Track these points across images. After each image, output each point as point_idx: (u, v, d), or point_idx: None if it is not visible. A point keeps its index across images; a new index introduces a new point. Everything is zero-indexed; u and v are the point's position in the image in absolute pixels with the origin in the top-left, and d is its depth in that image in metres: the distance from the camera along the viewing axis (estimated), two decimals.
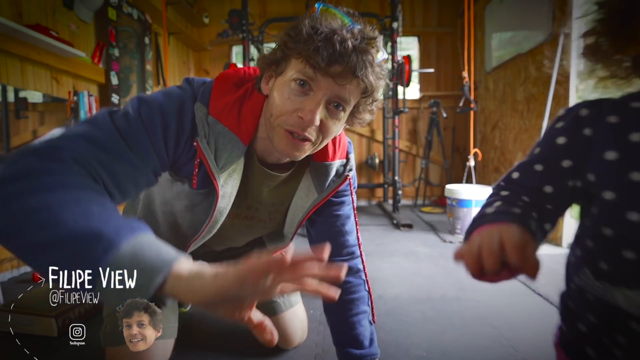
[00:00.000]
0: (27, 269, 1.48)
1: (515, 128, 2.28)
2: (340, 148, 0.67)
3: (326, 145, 0.63)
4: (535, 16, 1.99)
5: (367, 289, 0.74)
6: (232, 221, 0.71)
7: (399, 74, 2.48)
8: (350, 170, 0.69)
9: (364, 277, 0.74)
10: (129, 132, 0.49)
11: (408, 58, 2.48)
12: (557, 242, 1.82)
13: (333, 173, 0.67)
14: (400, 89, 2.55)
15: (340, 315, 0.71)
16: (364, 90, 0.53)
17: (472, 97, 2.45)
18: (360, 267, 0.74)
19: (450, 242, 1.93)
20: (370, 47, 0.51)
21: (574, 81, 1.73)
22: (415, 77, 3.32)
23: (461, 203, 2.00)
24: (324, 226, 0.73)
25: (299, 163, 0.67)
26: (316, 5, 0.54)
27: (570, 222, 1.82)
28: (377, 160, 3.21)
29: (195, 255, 0.92)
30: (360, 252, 0.75)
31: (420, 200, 3.24)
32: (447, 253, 1.73)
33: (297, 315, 0.86)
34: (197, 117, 0.56)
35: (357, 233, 0.75)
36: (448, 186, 2.12)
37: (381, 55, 0.54)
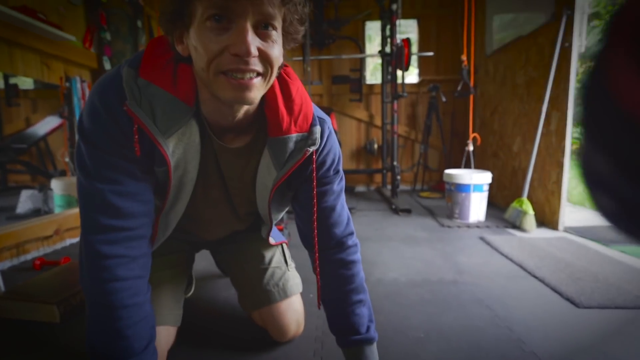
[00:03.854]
0: (27, 257, 1.48)
1: (514, 112, 2.26)
2: (299, 117, 0.60)
3: (280, 115, 0.58)
4: None
5: (362, 277, 0.71)
6: (203, 195, 0.68)
7: (398, 58, 2.44)
8: (312, 145, 0.59)
9: (357, 268, 0.70)
10: (105, 174, 0.54)
11: (407, 41, 2.44)
12: (554, 226, 1.84)
13: (291, 148, 0.60)
14: (399, 73, 2.51)
15: (336, 306, 0.70)
16: None
17: (471, 81, 2.42)
18: (353, 258, 0.70)
19: (449, 226, 1.95)
20: None
21: (574, 64, 1.71)
22: (414, 60, 3.27)
23: (460, 188, 2.01)
24: (307, 217, 0.67)
25: (256, 138, 0.63)
26: None
27: (566, 206, 1.83)
28: (375, 146, 3.20)
29: (196, 246, 0.93)
30: (352, 242, 0.71)
31: (419, 185, 3.24)
32: (445, 237, 1.75)
33: (292, 306, 0.83)
34: (124, 81, 0.52)
35: (346, 223, 0.70)
36: (447, 171, 2.12)
37: None
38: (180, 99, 0.54)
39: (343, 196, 0.71)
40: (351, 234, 0.71)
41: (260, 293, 0.82)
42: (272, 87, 0.59)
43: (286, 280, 0.84)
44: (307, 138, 0.60)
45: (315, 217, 0.65)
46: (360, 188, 3.37)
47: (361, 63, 3.19)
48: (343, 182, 0.70)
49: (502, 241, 1.63)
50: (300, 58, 2.78)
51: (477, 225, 1.95)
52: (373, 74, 5.13)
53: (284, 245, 0.92)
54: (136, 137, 0.53)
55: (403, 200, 2.64)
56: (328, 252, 0.69)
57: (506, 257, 1.44)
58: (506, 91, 2.37)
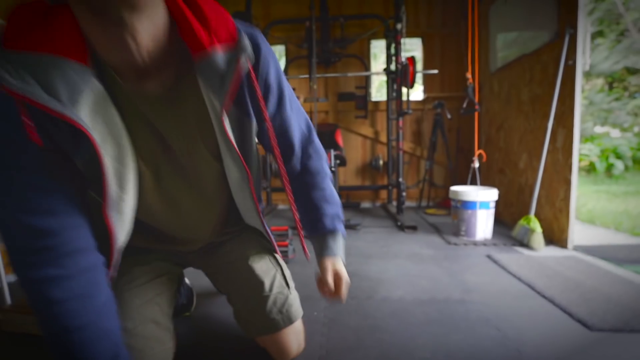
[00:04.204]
0: None
1: (520, 129, 2.27)
2: (218, 29, 0.52)
3: (195, 30, 0.49)
4: (540, 16, 1.98)
5: (329, 184, 0.75)
6: (151, 174, 0.57)
7: (403, 75, 2.48)
8: (243, 51, 0.52)
9: (322, 175, 0.74)
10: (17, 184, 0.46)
11: (412, 59, 2.48)
12: (562, 244, 1.81)
13: (222, 66, 0.52)
14: (404, 90, 2.54)
15: (304, 205, 0.74)
16: None
17: (476, 99, 2.44)
18: (316, 165, 0.74)
19: (455, 244, 1.92)
20: None
21: (579, 81, 1.72)
22: (419, 78, 3.32)
23: (466, 205, 1.99)
24: (266, 137, 0.65)
25: (183, 73, 0.54)
26: None
27: (575, 224, 1.80)
28: (381, 162, 3.21)
29: (182, 262, 0.84)
30: (313, 150, 0.74)
31: (425, 202, 3.22)
32: (452, 255, 1.72)
33: (295, 329, 0.80)
34: None
35: (305, 131, 0.72)
36: (452, 188, 2.11)
37: None
38: (69, 57, 0.43)
39: (293, 101, 0.69)
40: (311, 142, 0.74)
41: (264, 321, 0.77)
42: (178, 5, 0.51)
43: (289, 305, 0.79)
44: (236, 49, 0.53)
45: (271, 132, 0.63)
46: (366, 204, 3.36)
47: (366, 80, 3.24)
48: (288, 87, 0.67)
49: (510, 259, 1.60)
50: (307, 76, 2.84)
51: (484, 243, 1.93)
52: (378, 90, 5.20)
53: (282, 263, 0.85)
54: (27, 120, 0.43)
55: (408, 217, 2.62)
56: (291, 164, 0.72)
57: (514, 275, 1.41)
58: (511, 108, 2.38)
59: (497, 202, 2.08)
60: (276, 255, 0.85)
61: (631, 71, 6.10)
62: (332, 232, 0.73)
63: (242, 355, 0.88)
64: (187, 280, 1.12)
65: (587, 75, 6.05)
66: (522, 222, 1.91)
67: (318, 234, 0.74)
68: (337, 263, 0.73)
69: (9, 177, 0.46)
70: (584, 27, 1.70)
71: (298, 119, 0.70)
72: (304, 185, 0.74)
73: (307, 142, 0.73)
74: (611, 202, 3.30)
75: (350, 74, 2.98)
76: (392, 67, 2.84)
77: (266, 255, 0.83)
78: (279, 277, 0.82)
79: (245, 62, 0.53)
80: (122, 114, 0.50)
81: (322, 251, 0.74)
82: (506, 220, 2.43)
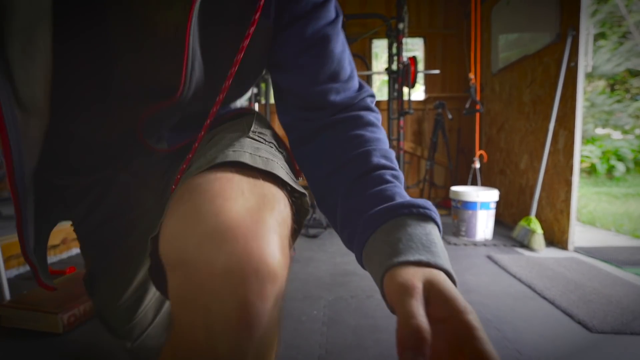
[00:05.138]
0: None
1: (521, 130, 2.26)
2: None
3: None
4: (542, 17, 1.98)
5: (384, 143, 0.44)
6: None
7: (405, 75, 2.47)
8: None
9: (375, 133, 0.44)
10: None
11: (414, 59, 2.48)
12: (563, 246, 1.80)
13: None
14: (405, 90, 2.54)
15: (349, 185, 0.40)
16: None
17: (478, 99, 2.44)
18: (365, 117, 0.44)
19: (455, 244, 1.92)
20: None
21: (581, 83, 1.72)
22: (420, 78, 3.31)
23: (466, 205, 1.99)
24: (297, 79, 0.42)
25: None
26: None
27: (576, 225, 1.80)
28: None
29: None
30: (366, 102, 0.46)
31: None
32: (452, 255, 1.72)
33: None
34: None
35: (349, 74, 0.45)
36: (453, 188, 2.11)
37: None
38: None
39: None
40: (361, 86, 0.47)
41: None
42: None
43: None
44: None
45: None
46: None
47: (368, 80, 3.24)
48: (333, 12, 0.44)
49: (510, 260, 1.60)
50: None
51: (484, 244, 1.92)
52: (380, 90, 5.20)
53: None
54: None
55: None
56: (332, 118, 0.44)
57: (514, 276, 1.41)
58: (512, 109, 2.38)
59: (498, 203, 2.08)
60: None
61: (633, 73, 6.10)
62: (414, 215, 0.34)
63: None
64: None
65: (589, 77, 6.05)
66: (522, 223, 1.91)
67: (384, 224, 0.35)
68: (438, 278, 0.29)
69: None
70: (586, 29, 1.70)
71: (345, 64, 0.44)
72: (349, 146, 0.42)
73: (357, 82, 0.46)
74: (612, 204, 3.29)
75: None
76: (394, 66, 2.83)
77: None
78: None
79: None
80: None
81: (392, 257, 0.31)
82: (507, 221, 2.43)
